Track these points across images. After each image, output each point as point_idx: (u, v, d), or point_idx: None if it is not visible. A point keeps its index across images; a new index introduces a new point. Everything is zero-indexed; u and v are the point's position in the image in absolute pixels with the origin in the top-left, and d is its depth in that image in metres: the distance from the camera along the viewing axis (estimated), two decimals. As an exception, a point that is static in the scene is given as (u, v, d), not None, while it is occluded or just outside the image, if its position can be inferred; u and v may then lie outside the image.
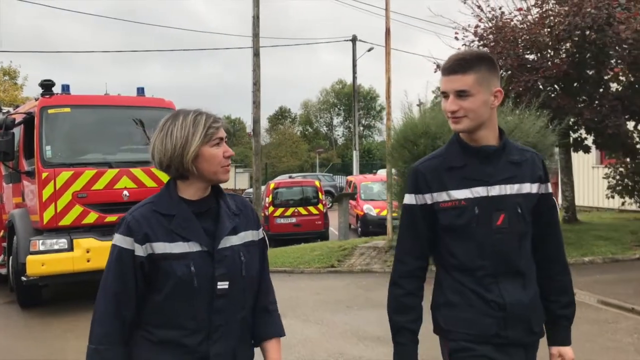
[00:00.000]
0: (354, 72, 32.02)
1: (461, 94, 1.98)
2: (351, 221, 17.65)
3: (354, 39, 31.75)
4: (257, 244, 2.05)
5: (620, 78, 11.76)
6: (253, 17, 15.01)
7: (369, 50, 31.23)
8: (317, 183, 17.18)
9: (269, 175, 38.59)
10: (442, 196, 2.07)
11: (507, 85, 10.94)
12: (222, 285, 1.89)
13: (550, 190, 2.16)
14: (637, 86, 11.32)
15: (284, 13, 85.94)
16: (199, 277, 1.86)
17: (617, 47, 10.63)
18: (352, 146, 34.89)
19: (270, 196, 16.16)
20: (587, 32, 10.53)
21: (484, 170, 2.05)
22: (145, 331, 1.91)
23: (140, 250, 1.86)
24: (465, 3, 13.19)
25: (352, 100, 34.31)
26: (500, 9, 12.62)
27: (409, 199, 2.14)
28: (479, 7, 12.75)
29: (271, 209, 15.92)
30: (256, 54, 14.86)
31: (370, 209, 16.73)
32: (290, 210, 15.96)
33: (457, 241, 2.06)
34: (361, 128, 69.56)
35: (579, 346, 1.51)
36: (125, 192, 8.00)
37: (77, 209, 7.69)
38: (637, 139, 12.60)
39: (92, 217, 7.79)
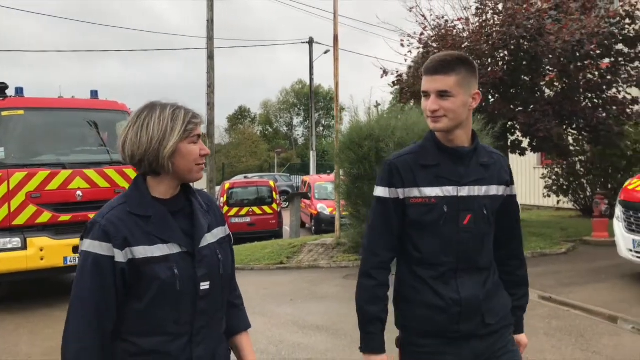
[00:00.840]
0: (311, 74, 32.55)
1: (442, 94, 2.03)
2: (306, 220, 18.16)
3: (310, 42, 32.27)
4: (227, 240, 2.03)
5: (556, 84, 12.58)
6: (207, 21, 15.34)
7: (325, 53, 31.79)
8: (271, 183, 17.61)
9: (228, 175, 38.75)
10: (413, 192, 2.12)
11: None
12: (204, 285, 1.84)
13: (515, 192, 2.26)
14: (567, 92, 12.12)
15: (246, 11, 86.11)
16: (182, 280, 1.79)
17: (550, 56, 11.40)
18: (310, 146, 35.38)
19: (225, 196, 16.53)
20: (522, 42, 11.27)
21: (456, 171, 2.11)
22: (125, 342, 1.81)
23: (120, 256, 1.75)
24: (411, 11, 13.86)
25: (310, 101, 34.74)
26: (443, 17, 13.31)
27: (382, 192, 2.17)
28: (422, 15, 13.41)
29: (226, 208, 16.28)
30: (210, 57, 15.21)
31: (324, 208, 17.25)
32: (245, 210, 16.36)
33: (423, 237, 2.12)
34: (321, 128, 70.23)
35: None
36: (79, 192, 8.28)
37: (31, 209, 7.93)
38: (571, 141, 13.46)
39: (45, 217, 8.04)
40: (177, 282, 1.78)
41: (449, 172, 2.10)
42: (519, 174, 15.79)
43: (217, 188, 17.83)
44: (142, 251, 1.77)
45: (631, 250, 7.75)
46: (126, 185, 8.65)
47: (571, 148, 13.43)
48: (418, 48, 13.38)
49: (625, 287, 7.77)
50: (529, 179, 18.63)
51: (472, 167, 2.12)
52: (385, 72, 13.70)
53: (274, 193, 16.89)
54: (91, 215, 8.26)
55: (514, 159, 17.57)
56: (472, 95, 2.09)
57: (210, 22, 15.33)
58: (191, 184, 1.97)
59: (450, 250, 2.10)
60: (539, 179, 16.04)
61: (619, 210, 8.19)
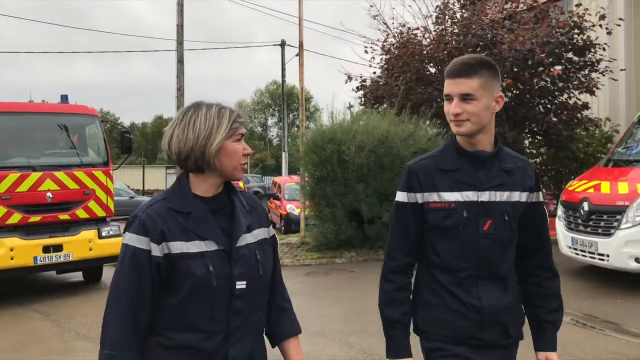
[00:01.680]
0: (283, 76, 32.95)
1: (465, 98, 2.00)
2: (276, 220, 18.55)
3: (282, 44, 32.62)
4: (269, 241, 2.01)
5: (510, 90, 13.22)
6: (177, 26, 15.66)
7: (296, 55, 32.20)
8: (241, 184, 17.94)
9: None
10: (432, 197, 2.09)
11: (406, 97, 12.17)
12: (241, 285, 1.83)
13: (541, 199, 2.19)
14: (521, 98, 12.77)
15: (221, 11, 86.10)
16: (217, 277, 1.79)
17: (504, 63, 12.01)
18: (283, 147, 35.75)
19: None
20: (478, 50, 11.87)
21: (476, 175, 2.07)
22: (160, 336, 1.82)
23: (156, 250, 1.77)
24: (374, 19, 14.39)
25: (282, 103, 35.15)
26: (404, 25, 13.85)
27: (401, 196, 2.15)
28: (384, 23, 13.94)
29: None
30: (180, 61, 15.54)
31: (293, 209, 17.64)
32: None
33: (443, 241, 2.09)
34: (295, 129, 70.66)
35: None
36: (49, 194, 8.58)
37: (1, 210, 8.18)
38: (527, 144, 14.12)
39: (16, 218, 8.31)
40: (212, 279, 1.77)
41: (469, 177, 2.07)
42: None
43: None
44: (179, 246, 1.77)
45: (570, 247, 8.35)
46: (95, 187, 9.00)
47: (527, 151, 14.07)
48: (381, 54, 13.92)
49: (566, 282, 8.21)
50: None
51: (493, 172, 2.08)
52: (349, 78, 14.20)
53: (243, 194, 17.24)
54: (61, 216, 8.63)
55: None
56: (495, 98, 2.06)
57: (180, 27, 15.65)
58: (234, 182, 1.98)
59: (469, 256, 2.06)
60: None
61: (560, 210, 8.80)
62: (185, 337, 1.79)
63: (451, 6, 13.40)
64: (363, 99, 14.08)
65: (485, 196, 2.06)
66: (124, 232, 1.85)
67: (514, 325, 2.12)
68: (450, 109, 2.04)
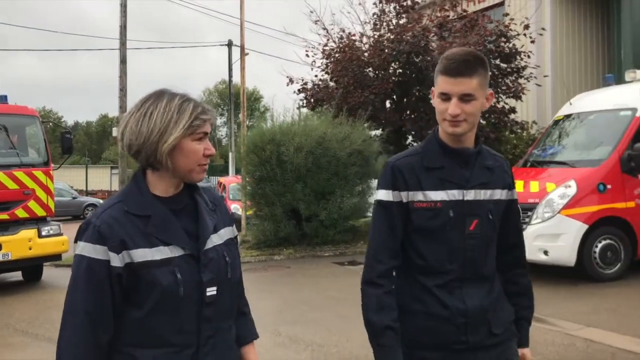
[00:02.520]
0: (230, 76, 33.09)
1: (465, 98, 1.91)
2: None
3: (229, 44, 32.78)
4: (234, 242, 1.87)
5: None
6: (120, 27, 15.73)
7: (245, 55, 32.42)
8: (184, 184, 18.13)
9: (147, 176, 38.47)
10: (417, 196, 2.00)
11: (344, 100, 12.70)
12: (211, 291, 1.68)
13: (516, 196, 2.15)
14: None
15: (174, 9, 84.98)
16: (185, 285, 1.63)
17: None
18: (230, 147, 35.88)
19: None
20: (411, 56, 12.50)
21: (461, 174, 2.00)
22: (123, 354, 1.65)
23: (116, 260, 1.60)
24: (316, 24, 14.88)
25: (229, 103, 35.31)
26: (344, 31, 14.40)
27: (385, 195, 2.03)
28: (324, 28, 14.45)
29: (139, 209, 16.69)
30: (123, 62, 15.62)
31: (237, 209, 17.90)
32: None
33: (428, 243, 2.00)
34: (246, 129, 70.51)
35: (359, 310, 2.03)
36: (-13, 194, 8.67)
37: (-61, 210, 8.26)
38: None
39: (-47, 218, 8.39)
40: (180, 287, 1.62)
41: (454, 175, 1.99)
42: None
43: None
44: (141, 254, 1.61)
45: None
46: (35, 187, 9.13)
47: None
48: (321, 58, 14.42)
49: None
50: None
51: (477, 169, 2.02)
52: (291, 81, 14.64)
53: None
54: (0, 215, 8.70)
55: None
56: (487, 96, 1.99)
57: (124, 28, 15.72)
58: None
59: (456, 257, 1.98)
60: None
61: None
62: (152, 353, 1.63)
63: (387, 13, 13.99)
64: (304, 101, 14.53)
65: (470, 195, 1.99)
66: (75, 241, 1.68)
67: (498, 323, 2.03)
68: (447, 108, 1.92)
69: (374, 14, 14.17)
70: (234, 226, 1.91)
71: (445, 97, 1.94)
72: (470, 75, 1.91)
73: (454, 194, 1.99)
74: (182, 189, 1.77)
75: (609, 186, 8.00)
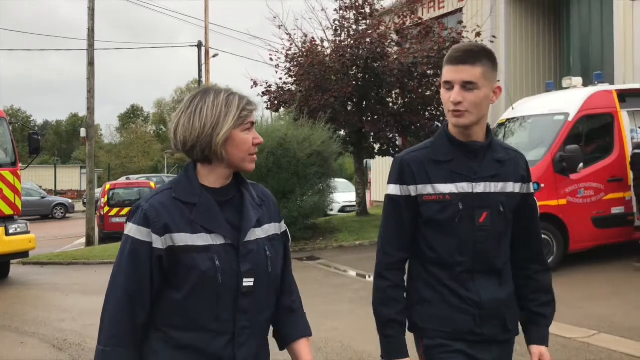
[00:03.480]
0: (200, 77, 33.31)
1: (468, 86, 1.92)
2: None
3: (199, 45, 32.97)
4: (280, 238, 1.90)
5: (402, 99, 14.59)
6: (88, 29, 16.01)
7: (213, 56, 32.73)
8: (152, 184, 18.53)
9: (119, 176, 38.65)
10: (426, 189, 2.02)
11: (306, 102, 13.24)
12: (248, 282, 1.72)
13: (532, 190, 2.14)
14: (409, 106, 14.14)
15: (145, 7, 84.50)
16: (223, 273, 1.68)
17: (392, 75, 13.31)
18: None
19: (106, 197, 17.28)
20: (369, 62, 13.12)
21: (470, 166, 2.01)
22: (162, 333, 1.71)
23: (158, 243, 1.66)
24: (280, 29, 15.39)
25: (199, 104, 35.41)
26: (307, 36, 14.95)
27: (394, 189, 2.07)
28: (288, 34, 14.98)
29: (106, 209, 17.06)
30: (91, 63, 15.90)
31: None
32: (126, 210, 17.11)
33: (438, 235, 2.02)
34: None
35: (311, 300, 2.03)
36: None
37: None
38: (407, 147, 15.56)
39: None
40: (218, 274, 1.66)
41: (462, 168, 2.01)
42: (384, 174, 18.07)
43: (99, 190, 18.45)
44: (183, 238, 1.67)
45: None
46: (2, 186, 9.47)
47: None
48: (285, 62, 14.94)
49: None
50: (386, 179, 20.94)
51: (486, 162, 2.02)
52: (255, 84, 15.12)
53: (154, 193, 17.84)
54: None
55: (380, 161, 19.86)
56: (494, 89, 1.99)
57: (91, 31, 16.00)
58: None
59: (466, 249, 1.99)
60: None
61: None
62: (190, 337, 1.69)
63: (347, 20, 14.58)
64: (268, 104, 15.03)
65: (480, 187, 2.00)
66: (126, 222, 1.75)
67: (512, 319, 2.07)
68: (450, 96, 1.95)
69: (334, 20, 14.76)
70: (282, 223, 1.93)
71: (449, 85, 1.97)
72: (473, 64, 1.92)
73: (462, 187, 1.99)
74: (231, 182, 1.81)
75: (542, 185, 8.68)
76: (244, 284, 1.71)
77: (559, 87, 10.63)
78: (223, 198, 1.77)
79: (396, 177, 2.07)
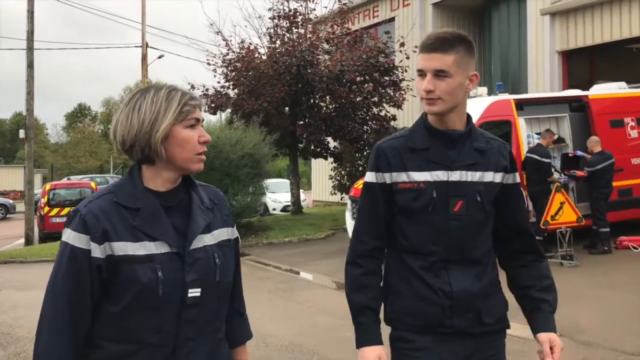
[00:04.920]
0: (144, 76, 33.47)
1: (439, 74, 1.90)
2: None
3: (145, 46, 33.22)
4: (231, 243, 1.79)
5: (331, 103, 15.42)
6: (27, 32, 16.24)
7: (159, 58, 32.98)
8: (92, 185, 18.85)
9: (65, 176, 38.30)
10: (401, 177, 1.99)
11: (240, 106, 13.93)
12: (194, 292, 1.61)
13: (518, 180, 2.09)
14: (339, 110, 14.99)
15: (92, 5, 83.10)
16: (166, 284, 1.57)
17: (324, 79, 14.12)
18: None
19: (46, 197, 17.54)
20: (301, 69, 13.89)
21: (446, 155, 1.98)
22: (98, 347, 1.61)
23: (97, 251, 1.55)
24: (217, 35, 16.01)
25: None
26: (243, 42, 15.62)
27: (370, 177, 2.05)
28: (224, 39, 15.62)
29: (46, 209, 17.31)
30: (30, 66, 16.15)
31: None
32: (66, 210, 17.42)
33: (412, 224, 1.99)
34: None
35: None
36: None
37: None
38: (340, 149, 16.41)
39: None
40: (159, 286, 1.55)
41: (439, 156, 1.98)
42: (324, 175, 18.97)
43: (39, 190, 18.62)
44: (123, 247, 1.56)
45: (354, 233, 10.50)
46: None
47: (344, 155, 16.41)
48: (221, 66, 15.57)
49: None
50: (326, 180, 21.80)
51: (465, 151, 1.99)
52: (192, 87, 15.68)
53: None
54: None
55: (319, 163, 20.68)
56: (470, 76, 1.96)
57: (31, 33, 16.23)
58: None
59: (439, 238, 1.95)
60: (328, 179, 19.01)
61: (349, 203, 10.95)
62: (128, 350, 1.58)
63: (281, 28, 15.33)
64: (206, 107, 15.63)
65: (455, 176, 1.97)
66: (64, 227, 1.62)
67: (489, 311, 1.99)
68: (422, 85, 1.94)
69: (268, 28, 15.49)
70: (235, 228, 1.84)
71: (421, 73, 1.96)
72: (445, 51, 1.90)
73: (437, 175, 1.97)
74: (179, 185, 1.71)
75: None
76: (190, 295, 1.61)
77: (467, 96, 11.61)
78: (170, 202, 1.66)
79: (373, 164, 2.06)
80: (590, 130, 10.41)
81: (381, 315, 2.06)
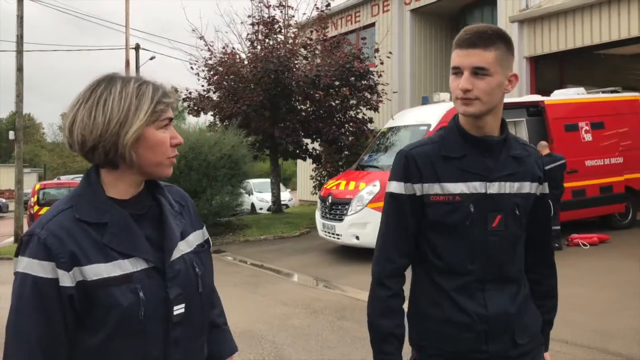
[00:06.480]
0: (137, 79, 34.04)
1: (478, 72, 1.73)
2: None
3: (137, 47, 33.74)
4: (206, 248, 1.62)
5: (309, 107, 16.02)
6: (17, 36, 16.81)
7: (151, 59, 33.57)
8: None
9: (60, 175, 38.84)
10: (434, 188, 1.81)
11: (220, 109, 14.52)
12: (179, 309, 1.44)
13: (547, 190, 1.97)
14: (316, 114, 15.59)
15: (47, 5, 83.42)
16: (148, 305, 1.38)
17: (301, 84, 14.70)
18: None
19: (36, 196, 18.12)
20: (279, 74, 14.48)
21: (484, 164, 1.80)
22: None
23: (66, 279, 1.32)
24: (201, 39, 16.61)
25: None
26: (226, 46, 16.21)
27: (397, 187, 1.85)
28: (206, 44, 16.23)
29: (36, 207, 17.89)
30: (19, 69, 16.70)
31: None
32: (55, 209, 18.02)
33: (446, 241, 1.82)
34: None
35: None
36: None
37: None
38: (319, 151, 17.00)
39: None
40: (141, 308, 1.37)
41: (475, 166, 1.80)
42: (303, 176, 19.57)
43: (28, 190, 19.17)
44: (96, 270, 1.35)
45: (322, 230, 11.10)
46: None
47: (324, 156, 17.01)
48: (204, 70, 16.17)
49: (317, 257, 11.10)
50: (309, 180, 22.44)
51: (502, 159, 1.82)
52: (175, 90, 16.27)
53: (83, 193, 18.79)
54: None
55: (301, 164, 21.30)
56: (509, 77, 1.80)
57: (20, 38, 16.79)
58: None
59: (477, 257, 1.79)
60: (309, 179, 19.59)
61: (318, 202, 11.54)
62: None
63: (261, 34, 15.91)
64: (189, 109, 16.22)
65: (494, 188, 1.80)
66: (16, 256, 1.38)
67: (523, 332, 1.84)
68: (458, 83, 1.75)
69: (248, 33, 16.09)
70: (204, 228, 1.67)
71: (457, 71, 1.78)
72: (484, 47, 1.73)
73: (475, 187, 1.80)
74: (142, 189, 1.51)
75: (405, 186, 10.20)
76: (175, 312, 1.43)
77: (432, 101, 12.23)
78: (138, 211, 1.47)
79: (400, 173, 1.86)
80: (546, 134, 11.02)
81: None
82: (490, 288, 1.80)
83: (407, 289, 1.91)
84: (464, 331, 1.79)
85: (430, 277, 1.85)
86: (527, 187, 1.85)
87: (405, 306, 1.88)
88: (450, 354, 1.81)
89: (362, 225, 10.08)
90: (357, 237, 10.11)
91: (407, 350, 1.90)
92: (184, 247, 1.52)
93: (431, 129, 10.62)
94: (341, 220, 10.38)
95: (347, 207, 10.30)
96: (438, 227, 1.82)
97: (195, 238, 1.59)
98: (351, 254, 10.51)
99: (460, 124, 1.85)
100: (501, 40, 1.76)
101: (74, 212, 1.39)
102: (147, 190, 1.52)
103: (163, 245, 1.46)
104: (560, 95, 11.90)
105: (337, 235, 10.48)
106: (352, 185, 10.67)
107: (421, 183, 1.82)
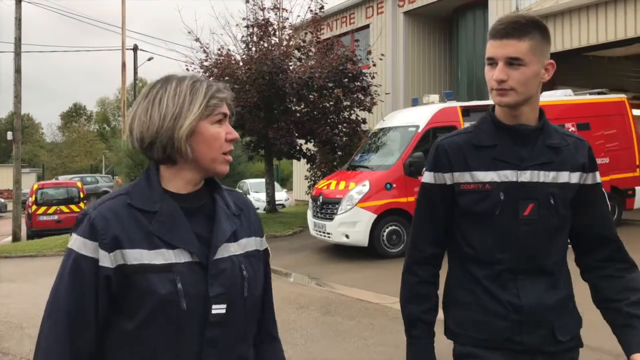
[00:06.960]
0: (135, 79, 34.28)
1: (513, 62, 1.72)
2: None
3: (135, 48, 33.98)
4: (260, 255, 1.60)
5: (303, 108, 16.24)
6: (15, 39, 17.06)
7: (149, 60, 33.82)
8: (79, 184, 19.71)
9: (59, 175, 39.13)
10: (464, 177, 1.83)
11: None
12: (218, 309, 1.42)
13: (599, 180, 1.89)
14: (310, 115, 15.82)
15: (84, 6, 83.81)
16: (187, 298, 1.37)
17: (294, 86, 14.93)
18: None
19: (34, 196, 18.40)
20: (273, 75, 14.70)
21: (516, 152, 1.79)
22: None
23: (106, 260, 1.36)
24: (196, 41, 16.81)
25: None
26: (222, 48, 16.44)
27: (428, 177, 1.90)
28: (201, 46, 16.46)
29: (34, 207, 18.18)
30: (17, 71, 16.96)
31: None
32: (53, 209, 18.36)
33: (476, 229, 1.83)
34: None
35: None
36: None
37: None
38: (313, 152, 17.22)
39: None
40: (181, 299, 1.36)
41: (507, 154, 1.80)
42: (300, 176, 19.81)
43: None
44: (137, 256, 1.37)
45: (314, 229, 11.35)
46: None
47: (318, 156, 17.23)
48: (199, 72, 16.37)
49: (308, 255, 11.35)
50: (303, 179, 22.70)
51: (537, 148, 1.80)
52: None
53: (81, 193, 19.08)
54: None
55: (297, 164, 21.53)
56: (546, 65, 1.78)
57: (18, 40, 17.05)
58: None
59: (507, 246, 1.78)
60: (304, 179, 19.83)
61: (310, 202, 11.78)
62: None
63: (256, 36, 16.14)
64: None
65: (526, 176, 1.79)
66: (70, 233, 1.45)
67: (564, 328, 1.81)
68: (493, 74, 1.76)
69: (243, 36, 16.32)
70: (264, 238, 1.65)
71: (492, 62, 1.78)
72: (519, 38, 1.73)
73: (506, 175, 1.79)
74: (201, 187, 1.53)
75: (394, 185, 10.47)
76: (213, 312, 1.42)
77: (422, 103, 12.47)
78: (191, 205, 1.48)
79: (431, 163, 1.91)
80: (532, 134, 11.25)
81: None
82: (523, 278, 1.79)
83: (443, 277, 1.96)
84: (498, 319, 1.79)
85: (463, 266, 1.87)
86: (565, 177, 1.82)
87: (441, 294, 1.93)
88: (484, 342, 1.81)
89: (352, 224, 10.33)
90: (347, 236, 10.35)
91: (441, 337, 1.95)
92: (234, 249, 1.50)
93: (419, 130, 10.88)
94: (331, 219, 10.62)
95: (337, 206, 10.54)
96: (469, 216, 1.85)
97: (250, 243, 1.56)
98: (341, 252, 10.75)
99: (495, 114, 1.87)
100: (536, 29, 1.76)
101: (128, 198, 1.44)
102: (206, 189, 1.55)
103: (210, 241, 1.46)
104: (548, 97, 12.13)
105: (328, 233, 10.72)
106: (342, 185, 10.92)
107: (451, 172, 1.86)
